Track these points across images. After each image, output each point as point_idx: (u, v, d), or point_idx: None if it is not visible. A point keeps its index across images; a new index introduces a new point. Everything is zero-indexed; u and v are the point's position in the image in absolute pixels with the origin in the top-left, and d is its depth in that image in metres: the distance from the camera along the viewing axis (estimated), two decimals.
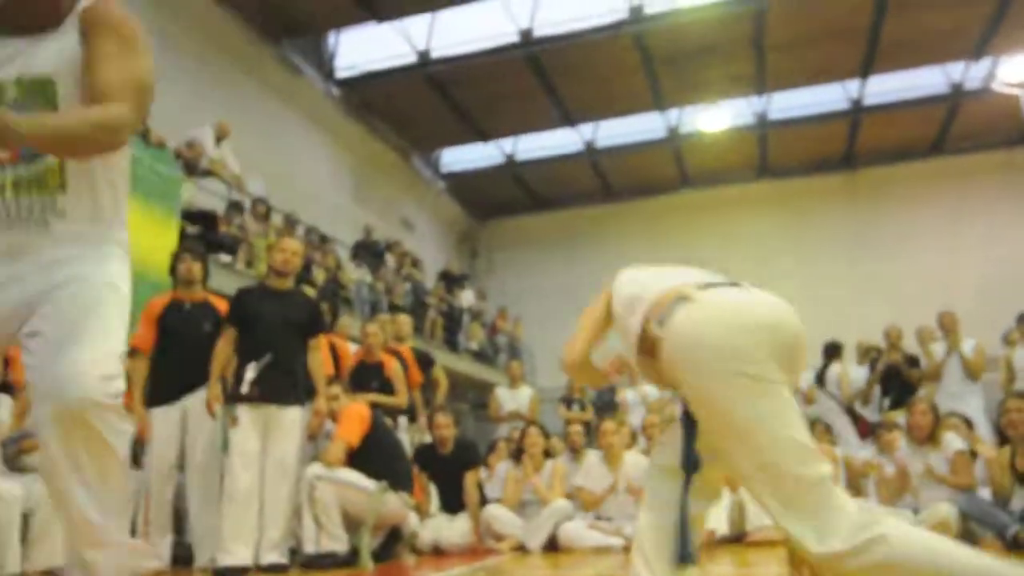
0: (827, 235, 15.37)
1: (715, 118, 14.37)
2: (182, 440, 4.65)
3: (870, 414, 7.83)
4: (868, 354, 8.34)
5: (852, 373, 8.17)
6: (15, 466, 4.27)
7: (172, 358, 4.65)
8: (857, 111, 13.84)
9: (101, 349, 1.78)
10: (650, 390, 8.78)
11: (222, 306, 4.88)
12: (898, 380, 7.51)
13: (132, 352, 4.66)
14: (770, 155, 15.25)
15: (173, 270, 4.89)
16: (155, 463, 4.58)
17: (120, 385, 1.81)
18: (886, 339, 7.80)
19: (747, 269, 16.13)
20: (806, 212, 15.49)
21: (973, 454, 5.21)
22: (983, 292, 13.08)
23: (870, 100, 13.63)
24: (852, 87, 13.45)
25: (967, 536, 4.58)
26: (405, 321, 6.98)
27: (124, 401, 4.91)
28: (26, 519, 4.02)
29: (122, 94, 1.77)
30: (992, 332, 8.25)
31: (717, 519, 5.10)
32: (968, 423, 5.84)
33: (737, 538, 5.26)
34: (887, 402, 7.62)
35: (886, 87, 13.48)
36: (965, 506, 4.48)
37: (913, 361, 7.60)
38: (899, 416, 6.93)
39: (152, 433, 4.60)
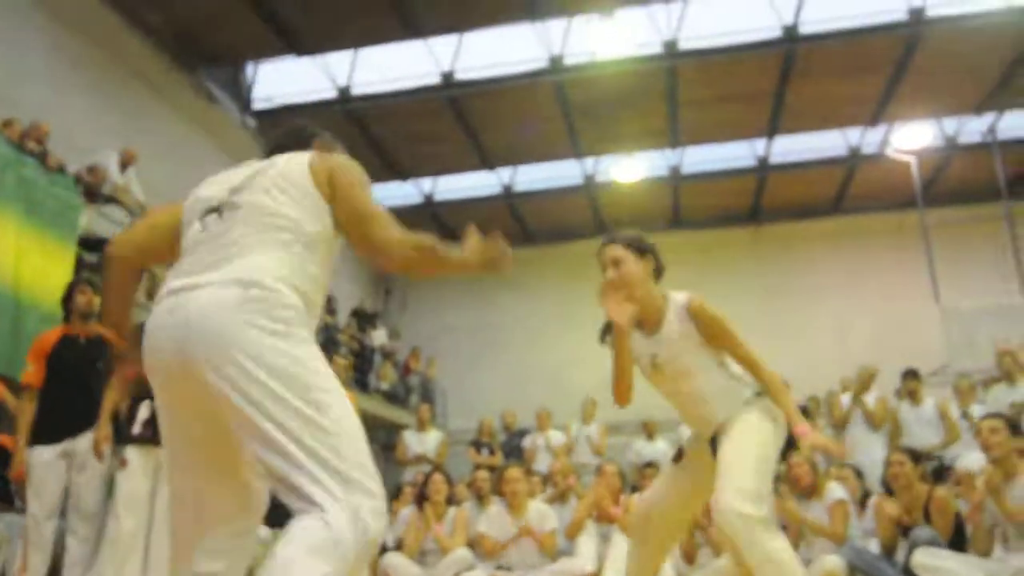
0: (736, 286, 15.85)
1: (630, 168, 14.76)
2: (67, 482, 4.40)
3: None
4: None
5: None
6: None
7: (60, 395, 4.42)
8: (763, 169, 14.46)
9: None
10: (555, 436, 8.81)
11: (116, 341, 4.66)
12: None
13: (23, 389, 4.42)
14: (682, 207, 15.74)
15: (67, 301, 4.64)
16: (37, 505, 4.31)
17: None
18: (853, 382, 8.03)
19: None
20: (716, 262, 15.97)
21: (863, 501, 5.40)
22: (880, 346, 13.70)
23: (776, 159, 14.28)
24: (759, 145, 14.07)
25: None
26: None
27: (5, 441, 4.57)
28: None
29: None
30: (887, 385, 8.67)
31: (619, 568, 5.10)
32: (859, 473, 6.05)
33: None
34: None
35: (791, 147, 14.18)
36: (852, 558, 4.62)
37: (804, 411, 7.86)
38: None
39: (34, 473, 4.33)
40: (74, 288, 4.65)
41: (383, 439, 13.90)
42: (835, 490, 5.07)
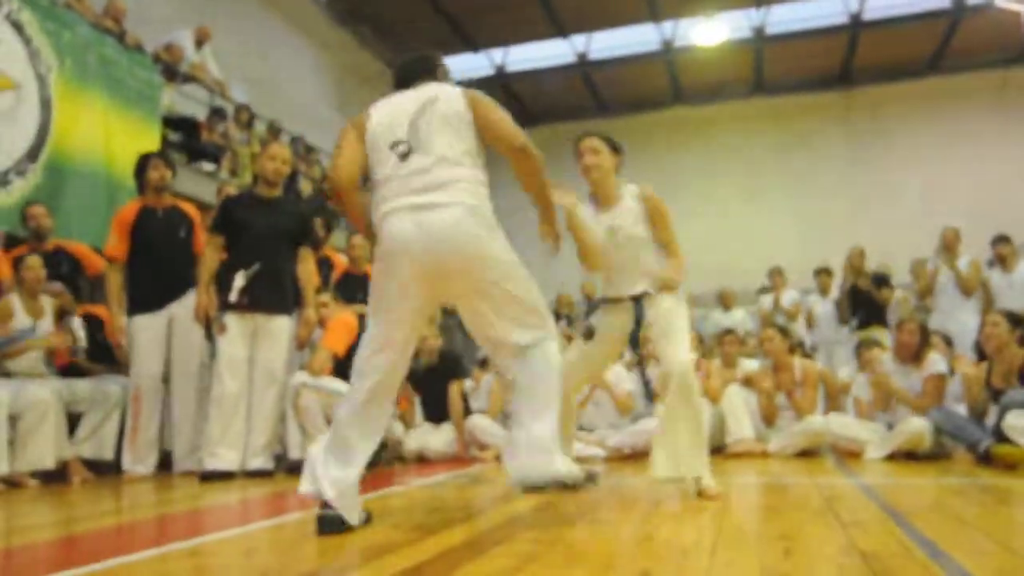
0: (821, 154, 15.23)
1: (711, 31, 14.02)
2: (168, 347, 4.67)
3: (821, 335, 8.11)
4: (820, 277, 8.46)
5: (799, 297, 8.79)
6: (1, 371, 4.28)
7: (152, 266, 4.62)
8: (856, 26, 13.52)
9: None
10: None
11: (192, 212, 4.83)
12: (865, 300, 7.62)
13: (109, 261, 4.63)
14: (765, 71, 14.97)
15: (140, 175, 4.77)
16: (143, 370, 4.61)
17: None
18: (848, 262, 7.82)
19: (736, 187, 16.14)
20: (800, 130, 15.32)
21: (951, 371, 5.29)
22: (972, 213, 13.07)
23: (870, 14, 13.31)
24: (852, 1, 13.11)
25: (940, 449, 4.70)
26: None
27: (91, 310, 4.81)
28: (13, 422, 4.05)
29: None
30: (979, 252, 8.31)
31: None
32: (948, 341, 5.91)
33: (717, 450, 5.37)
34: (855, 323, 7.75)
35: (887, 1, 13.15)
36: (939, 420, 4.57)
37: (881, 280, 7.68)
38: (875, 333, 7.04)
39: (138, 340, 4.61)
40: (147, 163, 4.76)
41: None
42: (937, 362, 4.93)
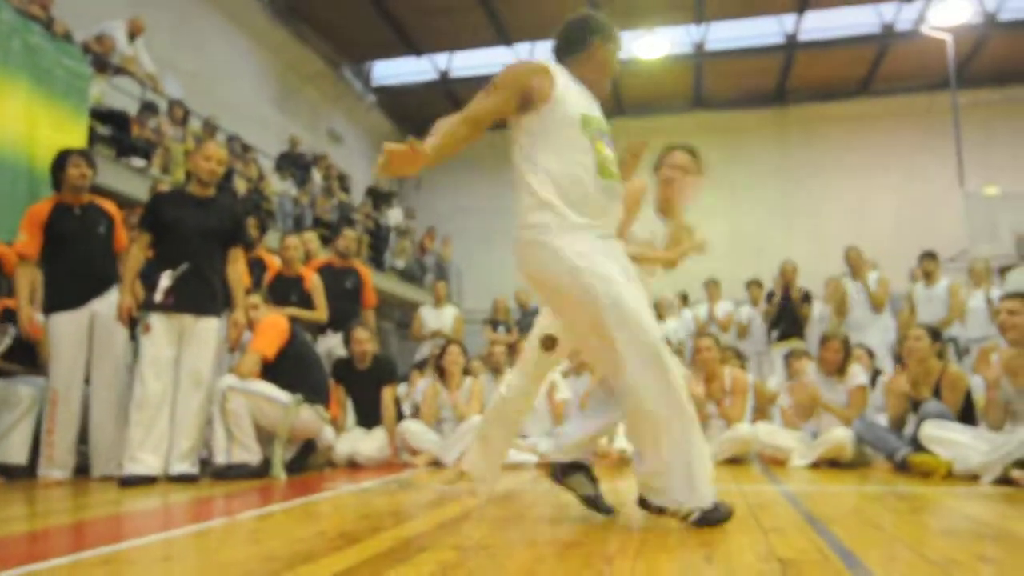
0: (757, 168, 15.62)
1: (652, 45, 14.25)
2: (89, 346, 4.50)
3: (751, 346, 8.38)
4: (751, 288, 8.79)
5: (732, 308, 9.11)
6: None
7: (71, 263, 4.46)
8: (792, 46, 13.94)
9: None
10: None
11: (112, 209, 4.68)
12: (788, 314, 7.94)
13: (19, 258, 4.47)
14: (705, 86, 15.30)
15: (58, 171, 4.57)
16: (62, 369, 4.43)
17: None
18: (781, 275, 8.10)
19: None
20: (738, 145, 15.67)
21: (873, 380, 5.49)
22: (899, 229, 13.62)
23: (805, 36, 13.73)
24: (788, 21, 13.49)
25: (861, 458, 4.86)
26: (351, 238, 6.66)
27: (10, 304, 4.64)
28: None
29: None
30: (906, 267, 8.68)
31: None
32: (871, 353, 6.12)
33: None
34: (775, 334, 8.04)
35: (821, 23, 13.59)
36: (860, 430, 4.73)
37: (805, 296, 8.03)
38: (793, 346, 7.30)
39: (57, 339, 4.43)
40: (66, 160, 4.56)
41: (399, 317, 14.13)
42: (859, 374, 5.15)
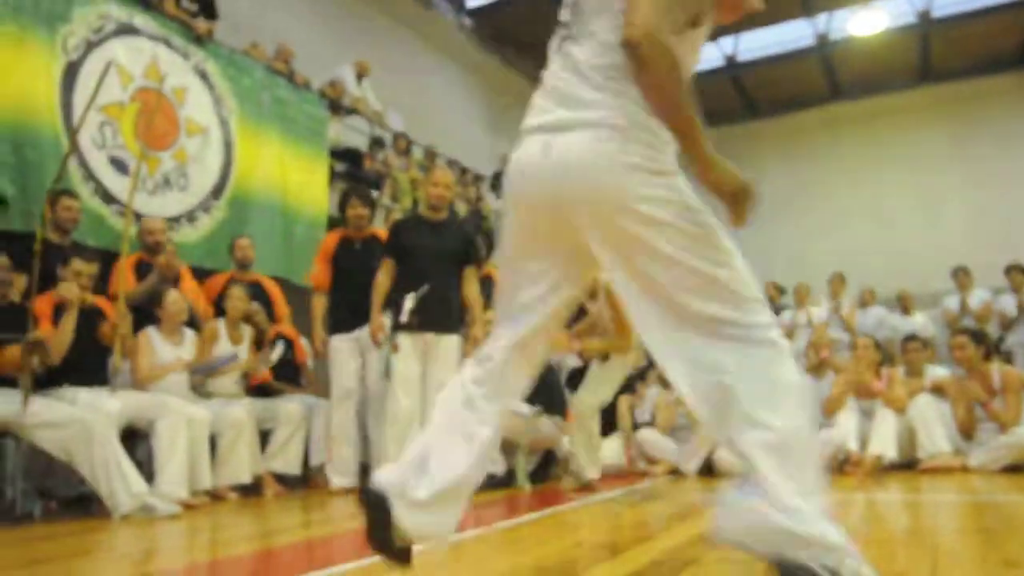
0: (999, 144, 13.99)
1: (870, 20, 13.25)
2: (360, 366, 4.91)
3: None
4: (1012, 274, 7.81)
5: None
6: (201, 392, 4.64)
7: (347, 291, 4.91)
8: None
9: None
10: (815, 311, 8.45)
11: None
12: None
13: (315, 288, 5.01)
14: (933, 57, 13.94)
15: (342, 209, 5.17)
16: (335, 386, 4.86)
17: None
18: None
19: (906, 185, 15.11)
20: (975, 118, 14.14)
21: None
22: None
23: None
24: None
25: None
26: None
27: (288, 331, 5.11)
28: (213, 440, 4.37)
29: None
30: None
31: (885, 444, 4.85)
32: None
33: (908, 465, 5.01)
34: None
35: None
36: None
37: None
38: None
39: (333, 358, 4.87)
40: (346, 202, 5.12)
41: None
42: None
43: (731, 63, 14.30)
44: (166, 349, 4.50)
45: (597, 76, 1.58)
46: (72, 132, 4.78)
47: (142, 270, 4.75)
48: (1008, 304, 7.86)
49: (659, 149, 1.56)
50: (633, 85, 1.53)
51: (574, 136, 1.57)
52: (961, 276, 8.27)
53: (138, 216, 5.42)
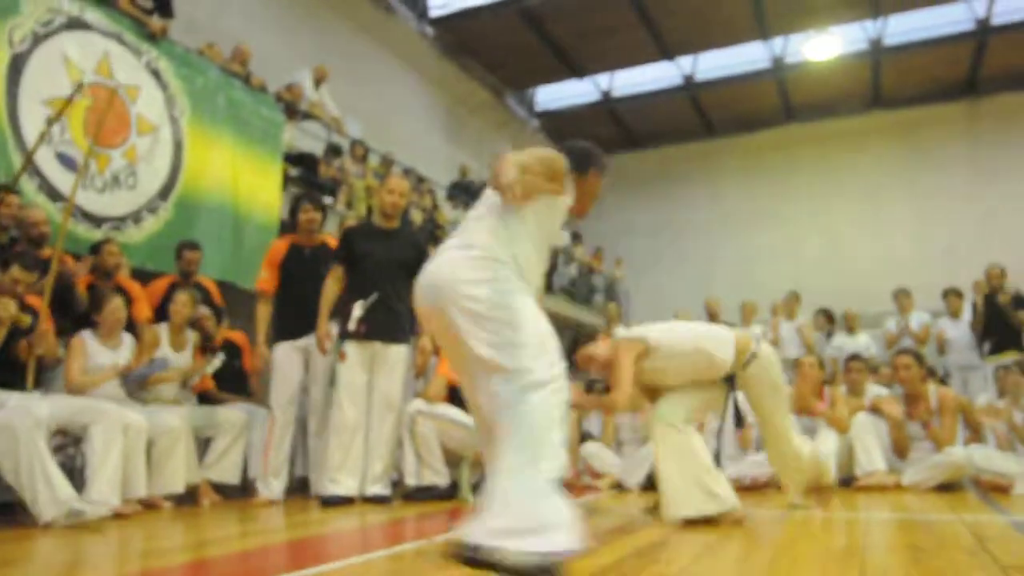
0: (944, 170, 14.43)
1: (824, 45, 13.59)
2: (304, 375, 4.82)
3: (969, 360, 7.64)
4: (949, 298, 8.06)
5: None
6: (139, 398, 4.52)
7: (294, 299, 4.82)
8: (984, 32, 12.78)
9: None
10: (756, 330, 8.59)
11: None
12: (1000, 324, 7.17)
13: (259, 293, 4.89)
14: (884, 84, 14.34)
15: (293, 215, 5.02)
16: (278, 394, 4.76)
17: None
18: (986, 281, 7.36)
19: (854, 205, 15.47)
20: (921, 144, 14.57)
21: None
22: None
23: (999, 19, 12.56)
24: (979, 5, 12.41)
25: None
26: None
27: (236, 336, 5.01)
28: (148, 447, 4.26)
29: None
30: None
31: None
32: None
33: (846, 482, 5.10)
34: (987, 347, 7.29)
35: (1018, 3, 12.38)
36: None
37: (1019, 301, 7.21)
38: (1009, 359, 6.57)
39: (276, 366, 4.78)
40: (298, 207, 5.00)
41: (568, 337, 14.12)
42: None
43: (689, 82, 14.52)
44: (102, 354, 4.38)
45: None
46: (28, 153, 4.73)
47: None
48: (946, 326, 8.09)
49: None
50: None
51: None
52: (901, 298, 8.48)
53: (85, 214, 5.31)
